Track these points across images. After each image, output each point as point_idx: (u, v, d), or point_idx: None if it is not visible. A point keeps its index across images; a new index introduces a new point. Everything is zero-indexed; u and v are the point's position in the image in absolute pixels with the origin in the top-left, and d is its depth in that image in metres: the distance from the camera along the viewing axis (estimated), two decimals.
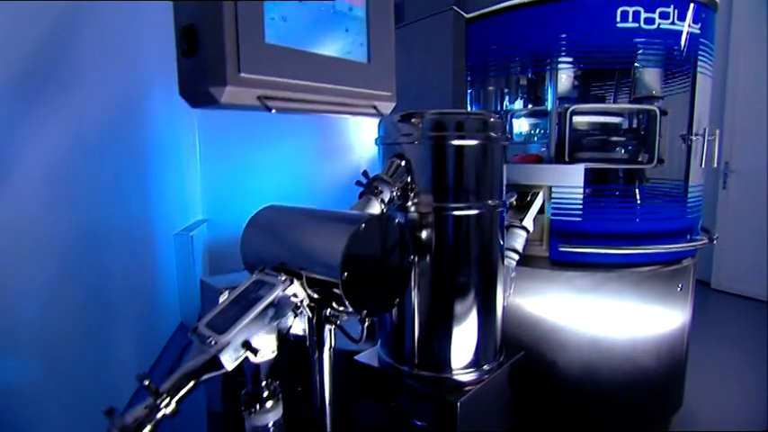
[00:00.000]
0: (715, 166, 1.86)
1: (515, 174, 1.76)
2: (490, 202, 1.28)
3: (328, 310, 1.01)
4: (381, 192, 1.15)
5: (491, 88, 2.07)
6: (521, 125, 2.10)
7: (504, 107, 2.11)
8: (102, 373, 2.01)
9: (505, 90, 2.08)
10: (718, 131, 1.82)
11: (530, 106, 2.04)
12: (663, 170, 1.93)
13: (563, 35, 1.68)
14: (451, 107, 1.91)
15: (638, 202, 1.81)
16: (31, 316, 1.52)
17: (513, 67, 1.89)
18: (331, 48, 0.91)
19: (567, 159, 1.71)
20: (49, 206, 1.66)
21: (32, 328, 1.52)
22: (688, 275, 1.83)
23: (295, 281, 0.96)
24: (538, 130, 2.03)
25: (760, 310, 3.50)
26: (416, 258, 1.28)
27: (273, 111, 0.82)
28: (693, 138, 1.75)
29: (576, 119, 1.79)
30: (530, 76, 1.99)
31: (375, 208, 1.13)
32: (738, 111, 3.78)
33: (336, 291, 0.92)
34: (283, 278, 0.95)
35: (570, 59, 1.75)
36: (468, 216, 1.25)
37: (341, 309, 0.97)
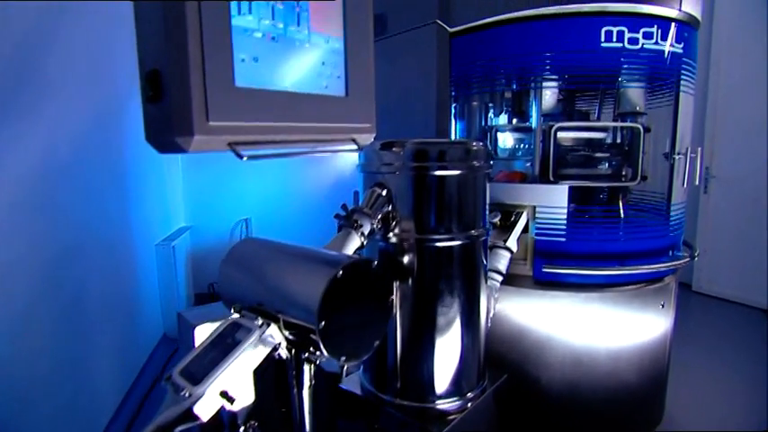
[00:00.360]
0: (697, 183, 1.86)
1: (499, 193, 1.74)
2: (473, 231, 1.26)
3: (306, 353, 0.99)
4: (361, 225, 1.12)
5: (475, 103, 2.05)
6: (505, 140, 2.08)
7: (489, 122, 2.09)
8: (84, 387, 1.96)
9: (490, 105, 2.06)
10: (700, 149, 1.83)
11: (514, 122, 2.03)
12: (645, 186, 1.93)
13: (547, 53, 1.66)
14: (435, 121, 1.88)
15: (622, 222, 1.81)
16: (7, 330, 1.47)
17: (498, 83, 1.87)
18: (307, 84, 0.88)
19: (551, 178, 1.70)
20: (24, 217, 1.60)
21: (9, 342, 1.48)
22: (670, 293, 1.84)
23: (272, 324, 0.94)
24: (522, 145, 2.01)
25: (741, 313, 3.56)
26: (398, 287, 1.26)
27: (245, 158, 0.79)
28: (676, 157, 1.76)
29: (561, 135, 1.77)
30: (514, 90, 1.97)
31: (355, 242, 1.11)
32: (719, 116, 3.82)
33: (313, 336, 0.90)
34: (260, 323, 0.93)
35: (555, 77, 1.74)
36: (450, 247, 1.23)
37: (317, 353, 0.95)
